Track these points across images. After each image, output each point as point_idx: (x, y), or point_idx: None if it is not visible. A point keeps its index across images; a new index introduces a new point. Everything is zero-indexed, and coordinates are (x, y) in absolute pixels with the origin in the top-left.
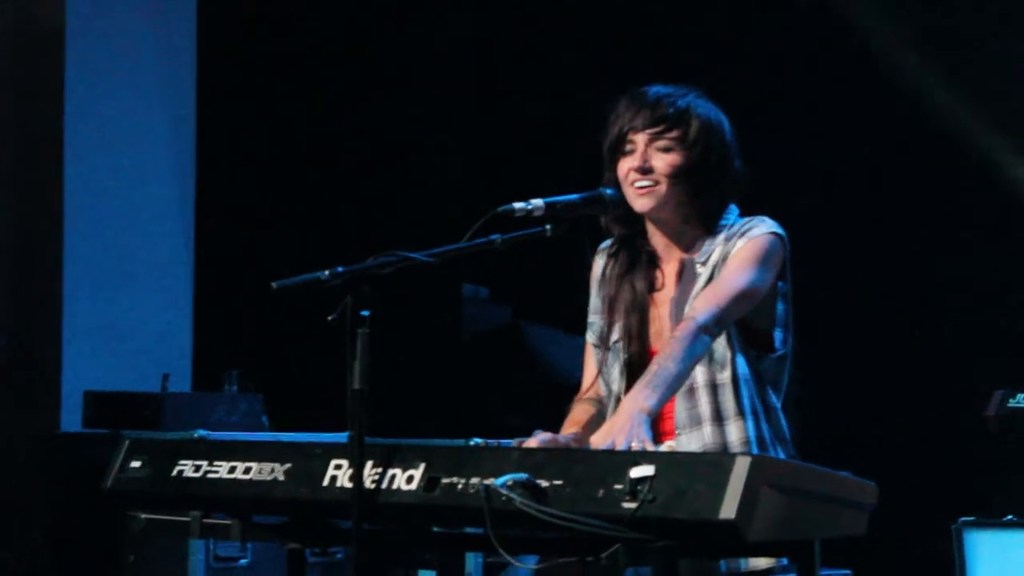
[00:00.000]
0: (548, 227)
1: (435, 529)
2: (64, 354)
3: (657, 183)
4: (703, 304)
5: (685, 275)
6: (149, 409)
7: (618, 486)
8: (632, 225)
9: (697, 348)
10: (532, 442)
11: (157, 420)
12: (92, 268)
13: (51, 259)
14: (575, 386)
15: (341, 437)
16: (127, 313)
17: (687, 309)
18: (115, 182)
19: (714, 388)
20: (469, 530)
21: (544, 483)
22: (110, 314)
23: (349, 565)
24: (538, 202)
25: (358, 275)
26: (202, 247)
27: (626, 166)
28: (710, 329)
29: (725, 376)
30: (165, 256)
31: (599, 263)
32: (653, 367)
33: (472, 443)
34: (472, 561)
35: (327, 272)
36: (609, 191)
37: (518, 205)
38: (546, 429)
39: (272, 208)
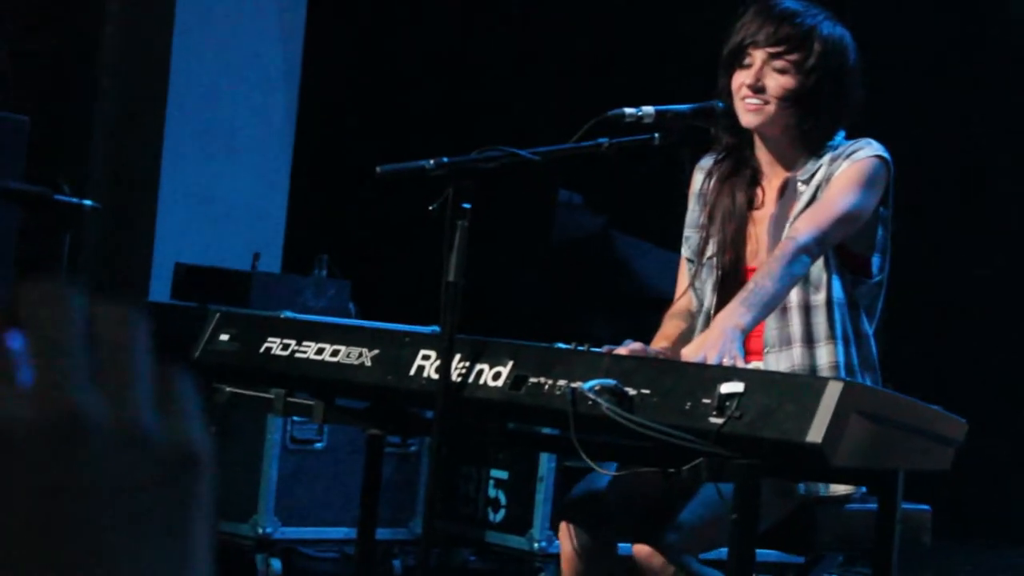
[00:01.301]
0: (656, 135)
1: (511, 426)
2: (158, 224)
3: (767, 103)
4: (804, 225)
5: (786, 194)
6: (238, 286)
7: (706, 400)
8: (740, 136)
9: (796, 269)
10: (622, 350)
11: (245, 298)
12: (193, 140)
13: (153, 128)
14: (662, 299)
15: (426, 330)
16: (223, 188)
17: (787, 229)
18: (223, 55)
19: (807, 310)
20: (547, 431)
21: (632, 391)
22: (207, 188)
23: (425, 456)
24: (648, 109)
25: (462, 167)
26: (304, 128)
27: (740, 80)
28: (810, 250)
29: (819, 298)
30: (267, 133)
31: (698, 177)
32: (750, 285)
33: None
34: (545, 465)
35: (432, 161)
36: (720, 104)
37: (628, 110)
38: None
39: (377, 94)
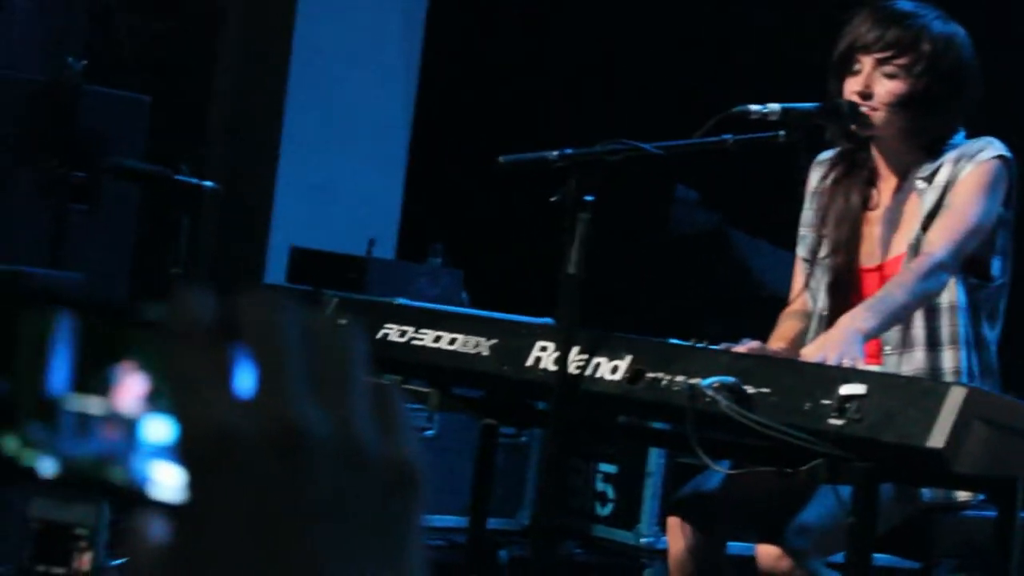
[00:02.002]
0: (782, 133)
1: (622, 420)
2: (275, 207)
3: (876, 109)
4: (939, 239)
5: (903, 194)
6: (353, 272)
7: (826, 401)
8: (856, 139)
9: (931, 284)
10: (741, 348)
11: (359, 283)
12: (311, 124)
13: (272, 112)
14: (776, 298)
15: (543, 322)
16: (340, 173)
17: (922, 241)
18: (343, 41)
19: (931, 313)
20: (658, 426)
21: (751, 389)
22: (323, 172)
23: (535, 447)
24: (775, 107)
25: (586, 159)
26: (422, 116)
27: (850, 87)
28: (947, 267)
29: (944, 302)
30: (384, 120)
31: (815, 176)
32: (881, 292)
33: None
34: (654, 460)
35: (556, 153)
36: (847, 103)
37: (754, 107)
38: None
39: (495, 83)
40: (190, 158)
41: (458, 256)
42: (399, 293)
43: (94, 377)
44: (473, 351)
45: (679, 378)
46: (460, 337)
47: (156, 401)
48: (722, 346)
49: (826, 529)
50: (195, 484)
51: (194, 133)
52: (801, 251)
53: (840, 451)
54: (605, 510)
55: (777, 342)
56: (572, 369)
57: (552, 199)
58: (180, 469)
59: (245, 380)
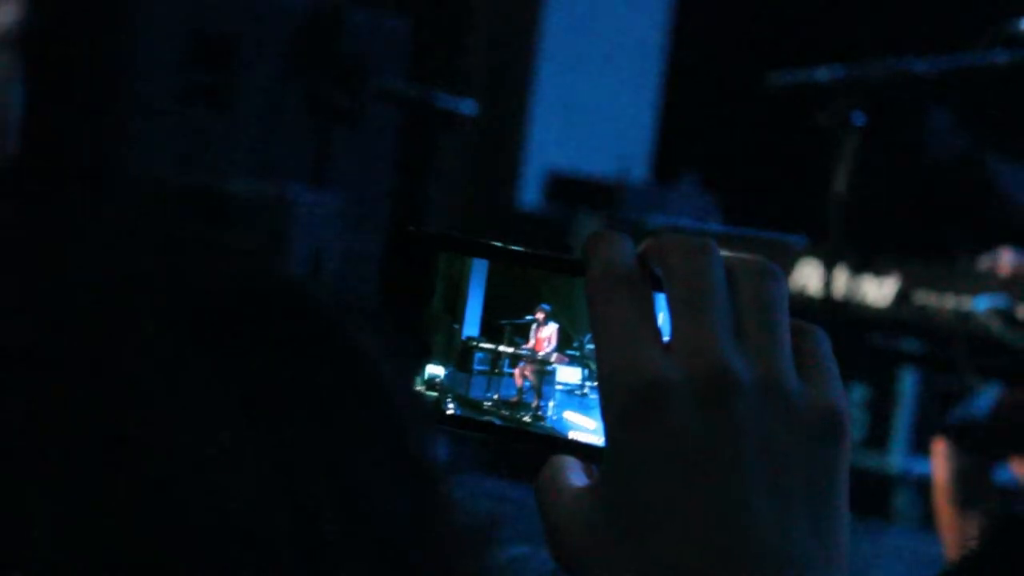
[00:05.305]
0: None
1: (877, 341)
2: (529, 130)
3: None
4: None
5: None
6: (608, 195)
7: None
8: None
9: None
10: (1005, 266)
11: (613, 206)
12: (566, 45)
13: (527, 33)
14: None
15: (798, 241)
16: (594, 94)
17: None
18: None
19: None
20: (908, 347)
21: (1022, 312)
22: (578, 93)
23: None
24: None
25: (857, 79)
26: (679, 34)
27: None
28: None
29: None
30: (638, 40)
31: None
32: None
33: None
34: (907, 382)
35: (825, 71)
36: None
37: None
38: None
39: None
40: (447, 80)
41: (711, 178)
42: (653, 215)
43: (507, 322)
44: None
45: (949, 299)
46: None
47: (570, 346)
48: (987, 263)
49: None
50: (621, 431)
51: (451, 55)
52: None
53: None
54: (853, 434)
55: None
56: (837, 289)
57: (819, 120)
58: (602, 415)
59: (665, 325)
